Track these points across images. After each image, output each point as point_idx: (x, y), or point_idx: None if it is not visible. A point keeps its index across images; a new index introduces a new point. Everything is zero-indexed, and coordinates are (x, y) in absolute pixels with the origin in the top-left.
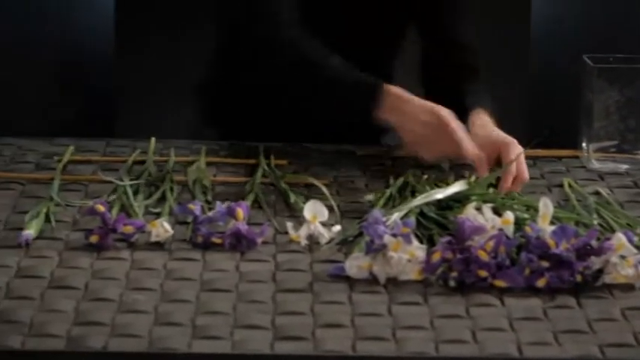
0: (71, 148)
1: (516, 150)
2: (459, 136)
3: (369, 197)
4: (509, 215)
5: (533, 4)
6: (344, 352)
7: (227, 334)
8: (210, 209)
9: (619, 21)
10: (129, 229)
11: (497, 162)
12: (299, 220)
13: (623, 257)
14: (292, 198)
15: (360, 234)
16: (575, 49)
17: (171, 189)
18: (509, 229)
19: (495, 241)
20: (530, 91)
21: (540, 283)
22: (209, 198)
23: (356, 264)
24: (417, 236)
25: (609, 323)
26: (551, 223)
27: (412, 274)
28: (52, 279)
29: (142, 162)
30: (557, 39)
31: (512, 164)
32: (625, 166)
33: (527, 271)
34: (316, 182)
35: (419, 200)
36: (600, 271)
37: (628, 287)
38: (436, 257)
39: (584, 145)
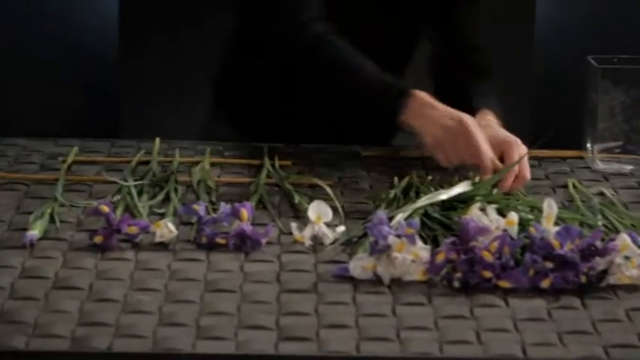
0: (75, 148)
1: (520, 149)
2: (479, 144)
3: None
4: (514, 216)
5: (537, 5)
6: (348, 352)
7: (231, 334)
8: (214, 210)
9: (624, 22)
10: (133, 229)
11: (501, 161)
12: (303, 220)
13: (627, 258)
14: (296, 199)
15: (365, 235)
16: (580, 49)
17: (176, 189)
18: (514, 230)
19: (500, 242)
20: (534, 91)
21: (545, 283)
22: (213, 199)
23: (360, 264)
24: (421, 237)
25: (614, 324)
26: (556, 223)
27: (416, 274)
28: (57, 279)
29: (147, 162)
30: (561, 40)
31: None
32: (629, 167)
33: (531, 272)
34: (321, 183)
35: (423, 201)
36: (605, 272)
37: (632, 288)
38: (440, 258)
39: (588, 145)
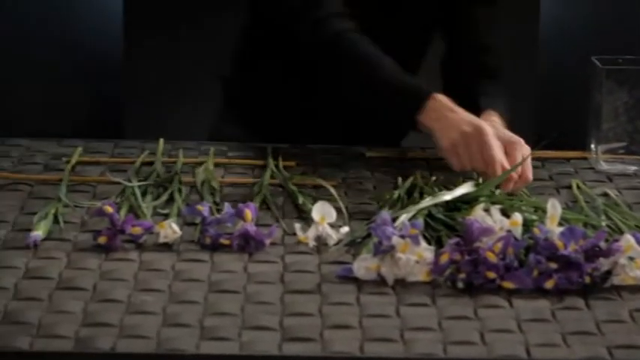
0: (79, 149)
1: (523, 150)
2: (494, 155)
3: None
4: (518, 217)
5: (541, 6)
6: (352, 353)
7: (235, 335)
8: (218, 210)
9: (628, 22)
10: (137, 230)
11: None
12: (307, 221)
13: (631, 259)
14: (300, 199)
15: (368, 235)
16: (584, 50)
17: (180, 190)
18: (518, 231)
19: (504, 243)
20: (538, 92)
21: (548, 284)
22: (217, 199)
23: (364, 265)
24: (425, 237)
25: (618, 325)
26: (560, 224)
27: (420, 275)
28: (61, 280)
29: (151, 163)
30: (565, 40)
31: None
32: (633, 168)
33: (535, 273)
34: (324, 183)
35: (427, 202)
36: (609, 273)
37: (636, 289)
38: (444, 259)
39: (592, 146)
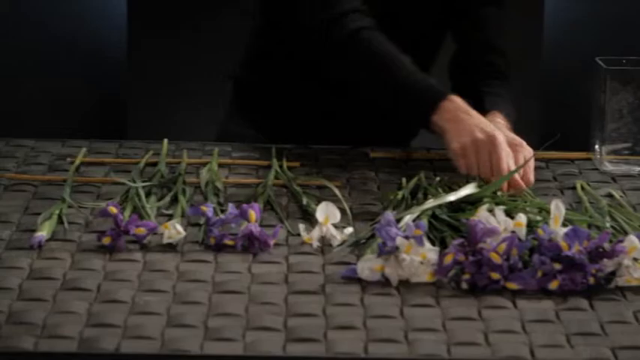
0: (84, 149)
1: (525, 152)
2: (503, 166)
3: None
4: (522, 218)
5: (545, 7)
6: (356, 354)
7: (239, 335)
8: (222, 211)
9: (632, 23)
10: (141, 230)
11: None
12: (311, 222)
13: (635, 260)
14: (304, 200)
15: (373, 236)
16: (588, 51)
17: (184, 191)
18: (522, 232)
19: (508, 244)
20: (543, 93)
21: (553, 285)
22: (221, 200)
23: (368, 266)
24: (429, 238)
25: (622, 326)
26: (564, 225)
27: (424, 276)
28: (65, 281)
29: (155, 164)
30: (569, 41)
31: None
32: (638, 169)
33: (539, 274)
34: (329, 184)
35: (431, 202)
36: (613, 274)
37: None
38: (448, 259)
39: (596, 147)
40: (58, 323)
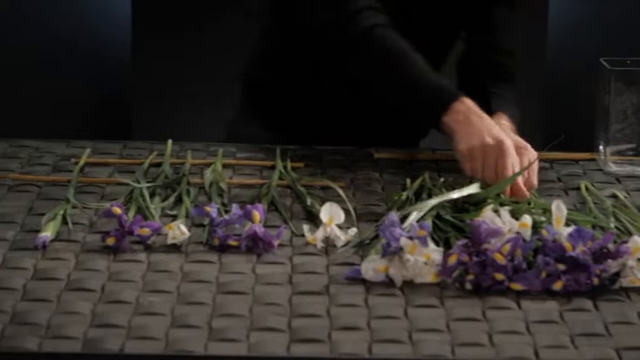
0: (88, 150)
1: (529, 155)
2: (507, 172)
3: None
4: (527, 219)
5: (550, 7)
6: (360, 354)
7: (243, 336)
8: (226, 212)
9: (636, 24)
10: (145, 231)
11: None
12: (315, 222)
13: (639, 260)
14: (309, 200)
15: (377, 237)
16: (593, 51)
17: (188, 191)
18: (527, 233)
19: (512, 244)
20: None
21: (557, 286)
22: (225, 200)
23: (372, 267)
24: (433, 239)
25: (626, 326)
26: (568, 225)
27: (428, 276)
28: (69, 281)
29: (159, 164)
30: (574, 42)
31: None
32: None
33: (543, 274)
34: (333, 185)
35: (433, 201)
36: (617, 275)
37: None
38: (452, 260)
39: (601, 148)
40: (63, 324)
